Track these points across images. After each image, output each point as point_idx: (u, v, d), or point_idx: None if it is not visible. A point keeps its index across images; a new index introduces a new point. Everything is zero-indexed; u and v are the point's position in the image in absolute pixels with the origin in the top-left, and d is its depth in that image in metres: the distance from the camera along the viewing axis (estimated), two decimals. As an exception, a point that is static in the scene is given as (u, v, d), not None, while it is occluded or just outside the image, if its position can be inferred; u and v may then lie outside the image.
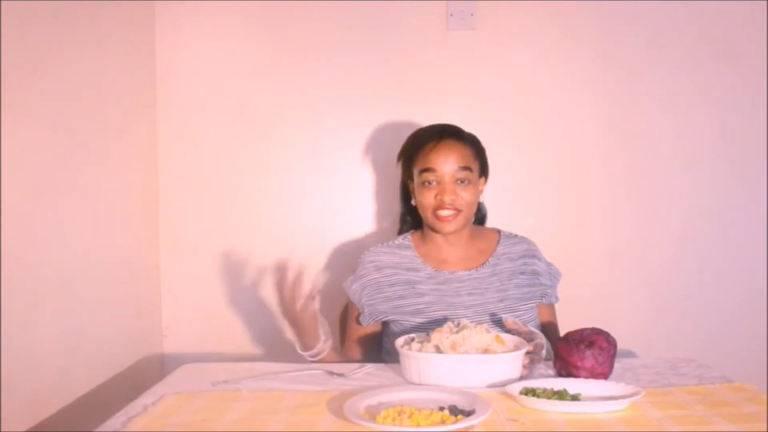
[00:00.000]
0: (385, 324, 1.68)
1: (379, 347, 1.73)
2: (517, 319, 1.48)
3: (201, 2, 2.11)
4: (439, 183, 1.61)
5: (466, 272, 1.67)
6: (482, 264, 1.68)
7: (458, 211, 1.62)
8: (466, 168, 1.62)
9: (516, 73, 2.10)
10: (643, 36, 2.08)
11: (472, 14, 2.07)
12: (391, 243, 1.74)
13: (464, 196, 1.62)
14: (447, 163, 1.61)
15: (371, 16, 2.09)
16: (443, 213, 1.61)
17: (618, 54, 2.09)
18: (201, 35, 2.12)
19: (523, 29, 2.09)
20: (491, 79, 2.10)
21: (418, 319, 1.61)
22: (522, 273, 1.68)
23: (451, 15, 2.07)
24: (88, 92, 1.72)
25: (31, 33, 1.47)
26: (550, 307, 1.74)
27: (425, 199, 1.63)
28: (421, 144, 1.65)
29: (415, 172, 1.66)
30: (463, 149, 1.64)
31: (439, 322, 1.51)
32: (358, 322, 1.70)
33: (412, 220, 1.79)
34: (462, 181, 1.62)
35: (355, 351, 1.70)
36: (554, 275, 1.74)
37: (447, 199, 1.60)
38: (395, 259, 1.70)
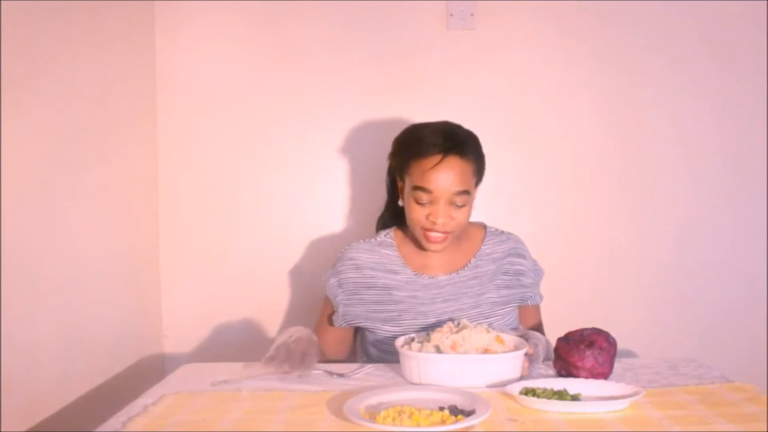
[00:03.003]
0: (359, 328, 1.66)
1: (351, 349, 1.71)
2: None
3: (201, 2, 2.10)
4: (432, 203, 1.53)
5: (446, 276, 1.62)
6: (463, 266, 1.64)
7: (448, 233, 1.55)
8: (464, 192, 1.53)
9: (515, 73, 2.10)
10: (643, 36, 2.08)
11: (472, 14, 2.07)
12: (372, 240, 1.69)
13: (457, 218, 1.54)
14: (445, 184, 1.51)
15: (371, 17, 2.09)
16: (433, 235, 1.54)
17: (617, 54, 2.09)
18: (201, 35, 2.12)
19: (523, 29, 2.09)
20: (491, 79, 2.10)
21: (389, 327, 1.58)
22: (504, 273, 1.64)
23: (451, 15, 2.07)
24: (89, 92, 1.71)
25: (31, 33, 1.47)
26: (535, 307, 1.70)
27: (415, 215, 1.55)
28: (420, 156, 1.54)
29: (408, 180, 1.57)
30: (464, 167, 1.53)
31: (408, 331, 1.50)
32: (331, 322, 1.67)
33: (396, 211, 1.72)
34: (458, 205, 1.54)
35: (327, 350, 1.64)
36: (538, 273, 1.69)
37: (440, 221, 1.52)
38: (375, 258, 1.65)
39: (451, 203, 1.53)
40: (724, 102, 2.09)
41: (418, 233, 1.58)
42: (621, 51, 2.09)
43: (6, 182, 1.38)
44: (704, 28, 2.08)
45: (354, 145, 2.12)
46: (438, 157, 1.52)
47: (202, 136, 2.13)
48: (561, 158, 2.11)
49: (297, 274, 2.13)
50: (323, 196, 2.13)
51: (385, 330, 1.59)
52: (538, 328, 1.70)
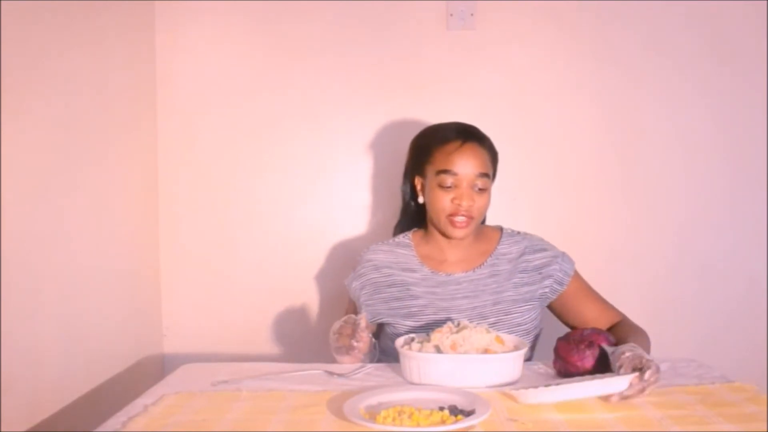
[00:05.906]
0: (381, 325, 1.68)
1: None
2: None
3: (201, 2, 2.11)
4: (457, 187, 1.58)
5: (464, 274, 1.64)
6: (480, 265, 1.65)
7: (471, 218, 1.59)
8: (485, 175, 1.59)
9: (515, 73, 2.10)
10: (643, 36, 2.08)
11: (472, 14, 2.07)
12: (390, 241, 1.72)
13: (479, 202, 1.58)
14: (468, 167, 1.57)
15: (371, 17, 2.09)
16: (458, 219, 1.58)
17: (617, 54, 2.09)
18: (201, 35, 2.12)
19: (523, 29, 2.09)
20: (491, 79, 2.10)
21: (410, 322, 1.59)
22: (522, 271, 1.64)
23: (451, 15, 2.07)
24: (89, 92, 1.72)
25: (31, 33, 1.47)
26: (577, 289, 1.63)
27: (440, 202, 1.59)
28: (442, 142, 1.61)
29: (431, 170, 1.61)
30: (484, 155, 1.60)
31: (430, 326, 1.50)
32: None
33: (412, 217, 1.75)
34: (480, 189, 1.58)
35: None
36: (566, 259, 1.66)
37: (464, 204, 1.56)
38: (393, 257, 1.68)
39: (473, 186, 1.58)
40: (724, 102, 2.09)
41: (443, 222, 1.60)
42: (621, 51, 2.09)
43: (6, 182, 1.38)
44: (704, 27, 2.08)
45: (354, 144, 2.11)
46: (459, 142, 1.60)
47: (202, 136, 2.13)
48: (561, 158, 2.11)
49: (297, 274, 2.13)
50: (323, 196, 2.13)
51: (407, 325, 1.60)
52: (609, 312, 1.64)
